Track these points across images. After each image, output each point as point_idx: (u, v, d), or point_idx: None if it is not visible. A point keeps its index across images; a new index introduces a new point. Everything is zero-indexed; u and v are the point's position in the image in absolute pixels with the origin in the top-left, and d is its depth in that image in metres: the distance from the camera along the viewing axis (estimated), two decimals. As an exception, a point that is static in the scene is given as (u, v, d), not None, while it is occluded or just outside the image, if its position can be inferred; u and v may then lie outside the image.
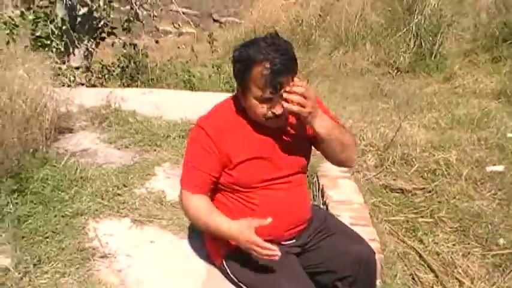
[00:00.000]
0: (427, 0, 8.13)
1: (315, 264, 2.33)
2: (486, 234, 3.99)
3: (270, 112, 2.05)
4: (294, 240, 2.37)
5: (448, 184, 4.68)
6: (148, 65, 7.17)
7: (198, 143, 2.15)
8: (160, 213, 3.27)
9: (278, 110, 2.02)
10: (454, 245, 3.89)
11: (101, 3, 6.32)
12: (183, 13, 9.48)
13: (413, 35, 8.11)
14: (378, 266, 2.61)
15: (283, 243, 2.30)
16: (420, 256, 3.76)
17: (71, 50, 6.23)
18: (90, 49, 6.33)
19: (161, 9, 8.12)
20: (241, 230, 2.01)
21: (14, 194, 3.04)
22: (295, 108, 1.92)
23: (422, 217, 4.30)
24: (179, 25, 10.27)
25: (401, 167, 5.02)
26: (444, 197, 4.49)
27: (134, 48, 7.13)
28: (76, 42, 6.11)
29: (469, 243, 3.87)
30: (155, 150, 4.01)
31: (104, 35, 6.81)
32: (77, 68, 6.02)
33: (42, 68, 3.93)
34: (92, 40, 6.48)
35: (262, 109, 2.06)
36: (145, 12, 7.49)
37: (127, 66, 7.03)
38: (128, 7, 7.00)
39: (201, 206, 2.16)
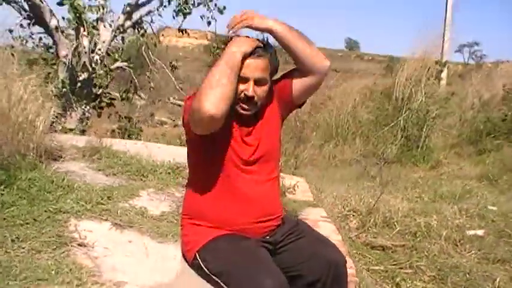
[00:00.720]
0: (414, 97, 8.60)
1: (287, 267, 2.29)
2: (464, 282, 4.00)
3: (243, 94, 2.26)
4: (267, 237, 2.43)
5: (428, 243, 4.74)
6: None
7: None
8: (141, 222, 3.33)
9: (249, 92, 2.23)
10: (432, 292, 3.89)
11: (102, 71, 6.71)
12: (179, 106, 9.92)
13: (401, 128, 8.51)
14: (349, 277, 2.62)
15: (256, 237, 2.35)
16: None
17: (68, 113, 6.48)
18: (86, 114, 6.60)
19: (159, 100, 8.53)
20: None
21: (1, 185, 3.14)
22: (240, 25, 2.19)
23: (401, 268, 4.32)
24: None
25: (382, 228, 5.11)
26: (424, 253, 4.53)
27: (129, 121, 7.40)
28: (74, 105, 6.37)
29: (446, 291, 3.88)
30: (142, 179, 4.13)
31: (102, 104, 7.09)
32: (71, 130, 6.24)
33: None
34: (89, 106, 6.75)
35: (239, 89, 2.26)
36: (142, 102, 7.87)
37: (122, 138, 7.27)
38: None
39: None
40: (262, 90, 2.26)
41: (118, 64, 7.35)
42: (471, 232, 4.96)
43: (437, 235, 4.86)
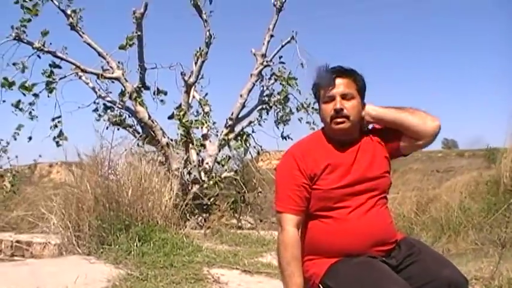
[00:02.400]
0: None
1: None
2: None
3: (332, 110, 2.38)
4: (384, 259, 2.39)
5: None
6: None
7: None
8: (269, 270, 3.43)
9: (336, 105, 2.35)
10: None
11: (211, 182, 7.10)
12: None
13: (515, 212, 8.06)
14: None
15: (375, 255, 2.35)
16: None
17: (183, 223, 6.78)
18: (199, 223, 6.85)
19: (264, 222, 8.68)
20: None
21: (140, 240, 3.43)
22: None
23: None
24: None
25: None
26: None
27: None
28: (187, 215, 6.66)
29: None
30: (262, 246, 4.27)
31: (213, 216, 7.30)
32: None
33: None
34: (201, 216, 7.01)
35: (327, 109, 2.38)
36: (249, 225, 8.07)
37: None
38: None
39: (290, 246, 2.17)
40: (351, 105, 2.24)
41: (225, 174, 7.77)
42: None
43: None
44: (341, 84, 2.23)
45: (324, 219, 2.22)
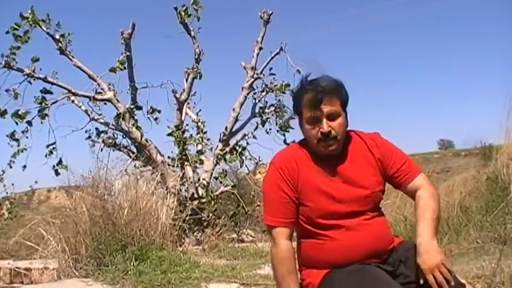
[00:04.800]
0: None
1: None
2: None
3: (319, 133, 2.33)
4: (379, 265, 2.36)
5: None
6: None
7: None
8: (268, 281, 3.43)
9: (324, 128, 2.29)
10: None
11: (208, 197, 7.10)
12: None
13: (514, 207, 8.06)
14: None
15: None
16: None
17: (180, 240, 6.72)
18: (198, 239, 6.83)
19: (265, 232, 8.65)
20: None
21: (137, 259, 3.44)
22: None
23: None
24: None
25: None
26: None
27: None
28: (187, 231, 6.64)
29: None
30: (261, 258, 4.27)
31: (210, 231, 7.22)
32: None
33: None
34: (201, 232, 6.98)
35: (313, 131, 2.30)
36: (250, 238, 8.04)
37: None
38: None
39: (284, 261, 2.12)
40: (337, 124, 2.15)
41: (223, 189, 7.79)
42: None
43: None
44: (326, 105, 2.12)
45: (315, 236, 2.19)
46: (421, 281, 1.97)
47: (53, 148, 7.06)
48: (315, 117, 2.11)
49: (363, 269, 2.09)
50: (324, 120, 2.09)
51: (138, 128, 7.04)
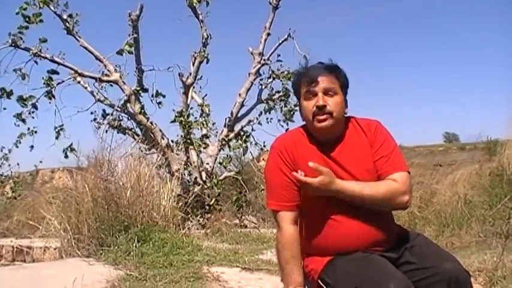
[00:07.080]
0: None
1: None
2: None
3: (315, 107, 2.31)
4: (383, 253, 2.33)
5: None
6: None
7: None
8: (269, 267, 3.42)
9: (319, 101, 2.28)
10: None
11: (212, 183, 7.09)
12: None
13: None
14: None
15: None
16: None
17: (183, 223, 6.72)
18: (201, 223, 6.81)
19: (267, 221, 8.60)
20: None
21: (139, 240, 3.43)
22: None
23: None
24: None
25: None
26: None
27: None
28: (190, 215, 6.63)
29: None
30: (263, 243, 4.26)
31: (214, 217, 7.21)
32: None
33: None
34: (203, 217, 6.96)
35: (309, 106, 2.32)
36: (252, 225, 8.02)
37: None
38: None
39: (287, 246, 2.11)
40: (334, 101, 2.15)
41: (226, 174, 7.77)
42: None
43: None
44: (323, 80, 2.15)
45: (317, 221, 2.17)
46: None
47: (61, 129, 7.07)
48: (312, 91, 2.12)
49: (366, 258, 2.06)
50: (320, 94, 2.10)
51: (142, 112, 7.03)
